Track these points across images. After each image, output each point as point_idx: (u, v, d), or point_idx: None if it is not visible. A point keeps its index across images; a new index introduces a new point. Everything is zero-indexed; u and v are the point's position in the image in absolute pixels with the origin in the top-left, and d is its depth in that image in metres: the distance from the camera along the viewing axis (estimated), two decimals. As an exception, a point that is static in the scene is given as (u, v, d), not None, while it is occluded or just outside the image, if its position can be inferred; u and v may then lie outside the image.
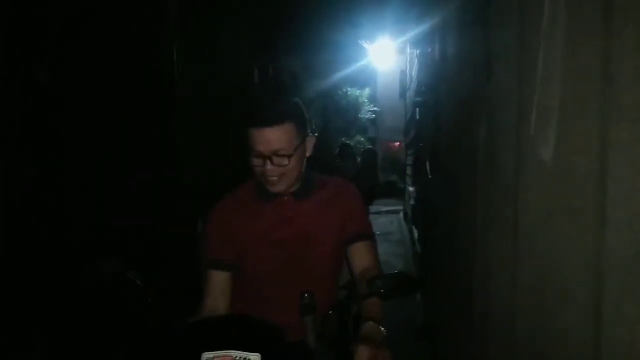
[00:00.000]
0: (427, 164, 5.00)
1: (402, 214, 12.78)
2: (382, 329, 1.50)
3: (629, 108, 0.88)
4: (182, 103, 4.22)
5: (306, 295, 1.43)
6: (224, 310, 1.67)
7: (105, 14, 3.35)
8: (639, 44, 0.86)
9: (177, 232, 3.45)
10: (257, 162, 1.62)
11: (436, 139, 4.24)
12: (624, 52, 0.90)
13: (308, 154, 1.73)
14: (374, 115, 21.27)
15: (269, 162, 1.60)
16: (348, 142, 12.14)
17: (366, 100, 20.76)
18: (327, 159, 9.35)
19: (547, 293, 1.24)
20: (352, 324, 1.68)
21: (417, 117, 7.65)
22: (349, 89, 19.57)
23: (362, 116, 20.73)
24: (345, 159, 6.33)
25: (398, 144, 19.62)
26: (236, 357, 1.23)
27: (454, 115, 2.96)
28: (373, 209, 6.52)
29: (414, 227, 8.17)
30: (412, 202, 8.66)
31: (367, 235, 1.79)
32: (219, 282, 1.70)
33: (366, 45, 10.83)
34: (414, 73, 9.58)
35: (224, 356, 1.24)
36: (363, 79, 19.02)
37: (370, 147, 9.05)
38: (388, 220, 12.57)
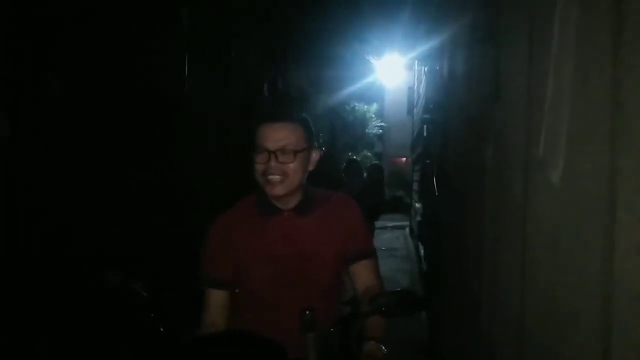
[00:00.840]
0: (434, 180, 4.99)
1: (407, 230, 12.74)
2: (383, 347, 1.50)
3: (638, 135, 0.88)
4: (191, 110, 4.26)
5: (307, 312, 1.40)
6: (224, 325, 1.67)
7: (116, 19, 3.39)
8: (649, 71, 0.87)
9: (178, 235, 3.46)
10: (260, 158, 1.61)
11: (443, 156, 4.24)
12: (634, 79, 0.90)
13: (311, 167, 1.72)
14: (380, 131, 21.29)
15: (273, 158, 1.59)
16: (355, 157, 12.16)
17: (373, 116, 20.79)
18: (334, 174, 9.36)
19: (555, 317, 1.23)
20: (354, 341, 1.67)
21: (425, 133, 7.66)
22: (356, 104, 19.62)
23: (369, 131, 20.75)
24: (352, 174, 6.32)
25: (405, 159, 19.62)
26: None
27: (462, 133, 2.96)
28: (379, 224, 6.51)
29: (419, 243, 8.14)
30: (418, 218, 8.63)
31: (369, 253, 1.79)
32: (218, 300, 1.70)
33: (374, 61, 10.89)
34: (422, 90, 9.61)
35: None
36: (370, 95, 19.07)
37: (377, 162, 9.05)
38: (394, 235, 12.53)
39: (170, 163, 4.00)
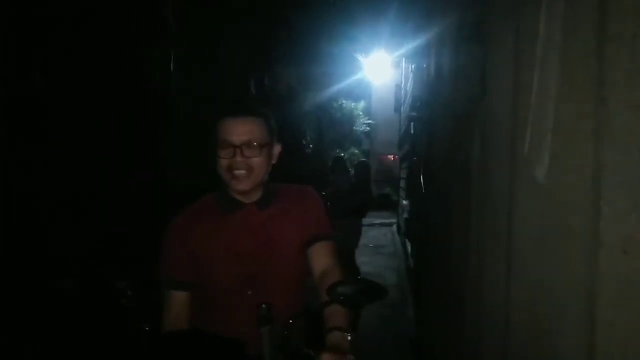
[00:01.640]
0: (421, 178, 5.01)
1: (395, 227, 12.79)
2: (348, 335, 1.47)
3: (622, 130, 0.89)
4: (177, 109, 4.23)
5: (263, 306, 1.39)
6: (185, 327, 1.62)
7: (105, 20, 3.36)
8: (631, 68, 0.87)
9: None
10: (225, 153, 1.60)
11: (430, 153, 4.26)
12: (617, 76, 0.91)
13: (274, 161, 1.73)
14: (368, 129, 21.32)
15: (239, 153, 1.59)
16: (342, 154, 12.16)
17: (361, 113, 20.80)
18: (321, 170, 9.35)
19: (540, 311, 1.24)
20: (317, 332, 1.64)
21: (412, 131, 7.69)
22: (344, 102, 19.63)
23: (357, 129, 20.75)
24: (339, 172, 6.31)
25: (392, 157, 19.67)
26: None
27: (449, 130, 2.98)
28: (366, 221, 6.51)
29: (407, 241, 8.18)
30: (405, 215, 8.67)
31: (325, 236, 1.76)
32: (178, 302, 1.65)
33: (362, 58, 10.91)
34: (409, 87, 9.64)
35: None
36: (358, 92, 19.10)
37: (364, 160, 9.04)
38: (381, 233, 12.57)
39: (156, 162, 3.97)
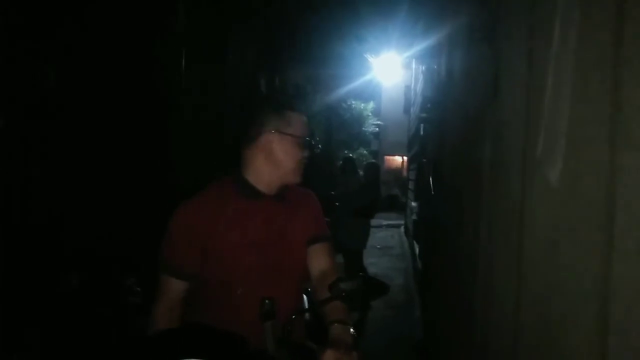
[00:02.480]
0: (430, 179, 4.99)
1: (402, 228, 12.75)
2: (350, 327, 1.47)
3: (637, 134, 0.88)
4: (185, 108, 4.24)
5: (267, 301, 1.40)
6: (176, 319, 1.60)
7: (114, 19, 3.37)
8: (650, 71, 0.86)
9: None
10: (303, 147, 1.69)
11: (440, 155, 4.24)
12: (634, 79, 0.89)
13: None
14: (377, 129, 21.29)
15: (307, 148, 1.70)
16: (351, 155, 12.14)
17: (370, 114, 20.79)
18: (330, 170, 9.35)
19: (551, 317, 1.22)
20: (318, 327, 1.64)
21: (421, 132, 7.66)
22: (353, 102, 19.62)
23: (366, 129, 20.74)
24: (348, 172, 6.31)
25: (401, 157, 19.63)
26: None
27: (459, 132, 2.96)
28: (374, 222, 6.50)
29: (414, 242, 8.15)
30: (413, 216, 8.64)
31: (326, 237, 1.81)
32: (175, 289, 1.62)
33: (371, 59, 10.87)
34: (419, 88, 9.61)
35: None
36: (367, 93, 19.07)
37: (373, 161, 9.01)
38: (389, 234, 12.54)
39: (164, 160, 3.98)
